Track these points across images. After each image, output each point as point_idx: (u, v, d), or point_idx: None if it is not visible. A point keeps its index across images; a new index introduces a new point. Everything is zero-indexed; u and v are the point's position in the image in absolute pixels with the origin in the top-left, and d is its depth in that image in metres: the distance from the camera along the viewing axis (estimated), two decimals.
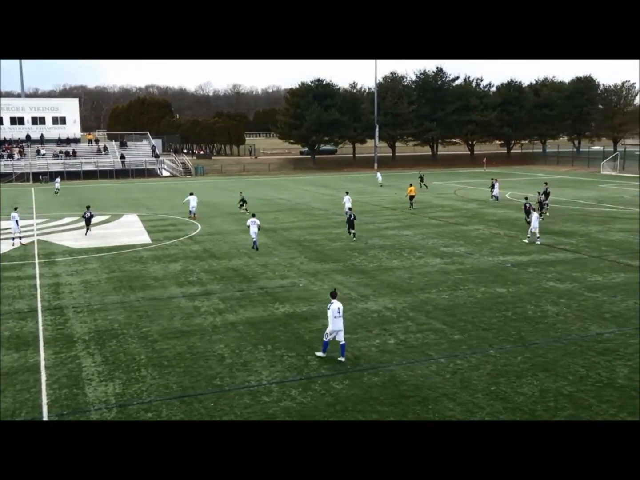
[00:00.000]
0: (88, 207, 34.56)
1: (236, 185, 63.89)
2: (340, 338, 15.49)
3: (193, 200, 39.40)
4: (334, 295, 15.89)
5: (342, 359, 15.40)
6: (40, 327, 18.22)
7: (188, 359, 15.62)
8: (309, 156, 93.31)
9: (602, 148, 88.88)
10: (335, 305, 15.47)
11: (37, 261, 27.25)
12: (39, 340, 17.09)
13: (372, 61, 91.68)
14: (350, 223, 31.57)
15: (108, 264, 26.51)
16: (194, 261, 26.90)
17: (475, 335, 17.07)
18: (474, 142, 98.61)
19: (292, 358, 15.62)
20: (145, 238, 32.81)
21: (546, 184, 43.24)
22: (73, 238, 32.84)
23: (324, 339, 15.70)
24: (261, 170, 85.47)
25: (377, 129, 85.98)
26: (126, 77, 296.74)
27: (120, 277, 24.21)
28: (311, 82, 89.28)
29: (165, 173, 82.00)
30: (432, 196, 50.88)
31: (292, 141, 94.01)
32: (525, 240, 30.32)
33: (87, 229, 33.95)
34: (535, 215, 30.49)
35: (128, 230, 35.35)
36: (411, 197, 43.38)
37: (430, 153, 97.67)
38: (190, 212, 39.28)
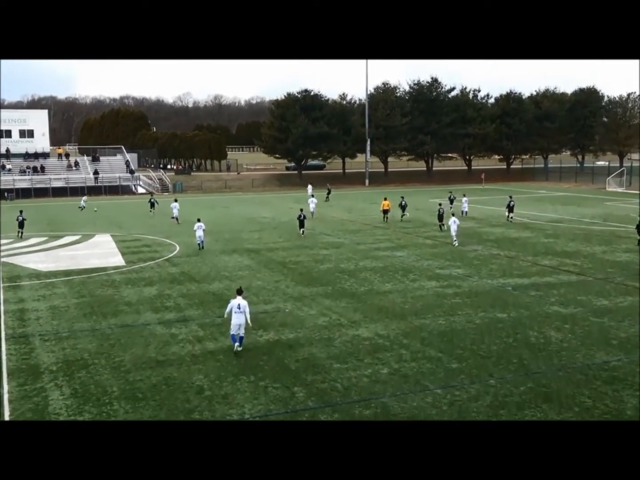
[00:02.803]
0: (21, 212, 40.69)
1: (217, 203, 64.02)
2: (241, 332, 18.13)
3: (175, 208, 46.82)
4: (239, 292, 18.52)
5: (239, 349, 18.02)
6: (4, 357, 18.02)
7: (164, 391, 15.50)
8: (295, 172, 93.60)
9: (607, 163, 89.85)
10: (235, 302, 18.10)
11: (0, 285, 27.04)
12: (2, 372, 16.89)
13: (363, 71, 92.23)
14: (301, 222, 39.98)
15: (77, 288, 26.34)
16: (170, 285, 26.79)
17: (474, 364, 17.07)
18: (472, 157, 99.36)
19: (277, 389, 15.54)
20: (118, 260, 32.67)
21: (510, 197, 47.58)
22: (40, 260, 32.65)
23: (230, 331, 18.29)
24: (244, 186, 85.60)
25: (368, 143, 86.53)
26: (99, 87, 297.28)
27: (90, 303, 24.05)
28: (298, 93, 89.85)
29: (140, 190, 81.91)
30: (426, 214, 51.06)
31: (277, 156, 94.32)
32: (455, 243, 35.31)
33: (20, 232, 39.59)
34: (452, 220, 35.85)
35: (100, 252, 35.19)
36: (385, 212, 46.41)
37: (424, 168, 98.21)
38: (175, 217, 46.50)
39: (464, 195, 50.95)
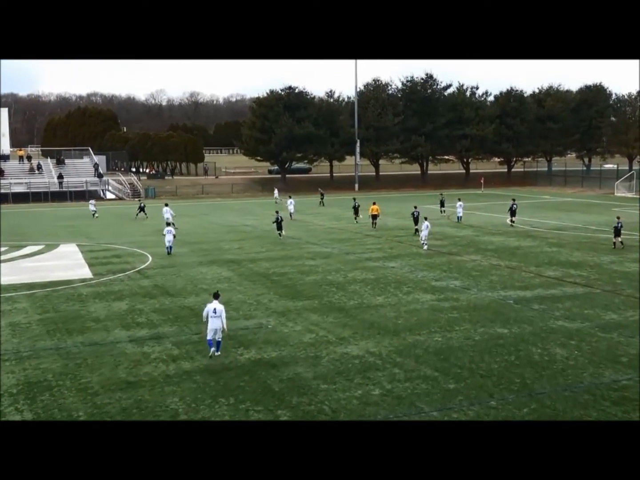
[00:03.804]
0: None
1: (194, 210, 63.90)
2: (218, 336, 19.16)
3: (167, 212, 47.14)
4: (216, 296, 19.48)
5: (218, 354, 19.18)
6: None
7: (135, 415, 15.41)
8: (279, 176, 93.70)
9: (615, 166, 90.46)
10: (212, 306, 19.10)
11: None
12: None
13: (351, 66, 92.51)
14: (278, 225, 42.16)
15: (41, 303, 26.18)
16: (142, 299, 26.69)
17: (473, 384, 17.11)
18: (470, 160, 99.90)
19: (259, 413, 15.50)
20: (85, 272, 32.52)
21: (513, 200, 49.73)
22: None
23: (206, 337, 19.31)
24: (223, 192, 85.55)
25: (357, 145, 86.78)
26: (64, 83, 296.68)
27: (55, 319, 23.91)
28: (281, 90, 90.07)
29: (109, 195, 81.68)
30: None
31: (259, 158, 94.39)
32: (425, 247, 37.55)
33: None
34: (425, 224, 37.82)
35: (65, 263, 35.01)
36: (374, 217, 47.59)
37: (419, 172, 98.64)
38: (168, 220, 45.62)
39: (459, 200, 51.85)
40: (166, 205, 49.44)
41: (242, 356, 19.50)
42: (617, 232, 37.37)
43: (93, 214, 57.93)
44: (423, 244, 37.90)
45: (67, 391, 16.95)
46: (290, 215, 52.80)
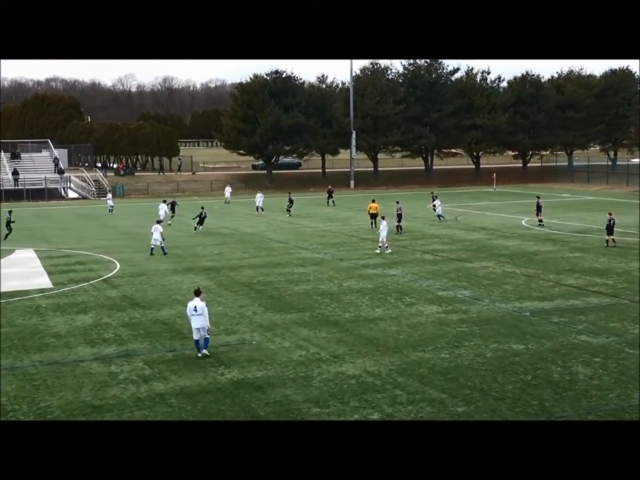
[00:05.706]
0: None
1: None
2: (204, 333, 20.63)
3: (162, 209, 50.59)
4: (197, 293, 21.02)
5: (207, 353, 20.67)
6: None
7: None
8: (264, 172, 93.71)
9: None
10: (192, 304, 20.60)
11: None
12: None
13: None
14: (201, 220, 47.33)
15: None
16: (109, 312, 26.65)
17: (485, 407, 17.15)
18: (480, 154, 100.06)
19: None
20: (44, 281, 32.45)
21: (538, 197, 50.90)
22: None
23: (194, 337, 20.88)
24: (201, 190, 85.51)
25: (353, 136, 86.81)
26: (20, 67, 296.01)
27: (9, 334, 23.84)
28: (266, 75, 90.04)
29: (72, 194, 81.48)
30: (425, 224, 51.31)
31: (241, 152, 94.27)
32: (377, 250, 38.57)
33: None
34: (383, 224, 38.49)
35: (21, 271, 34.92)
36: (373, 216, 47.92)
37: (422, 167, 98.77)
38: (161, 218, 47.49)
39: (436, 197, 54.28)
40: (164, 201, 53.49)
41: (222, 376, 19.48)
42: (610, 230, 39.34)
43: (109, 210, 61.03)
44: (385, 247, 38.55)
45: (24, 417, 16.90)
46: (257, 209, 59.05)
